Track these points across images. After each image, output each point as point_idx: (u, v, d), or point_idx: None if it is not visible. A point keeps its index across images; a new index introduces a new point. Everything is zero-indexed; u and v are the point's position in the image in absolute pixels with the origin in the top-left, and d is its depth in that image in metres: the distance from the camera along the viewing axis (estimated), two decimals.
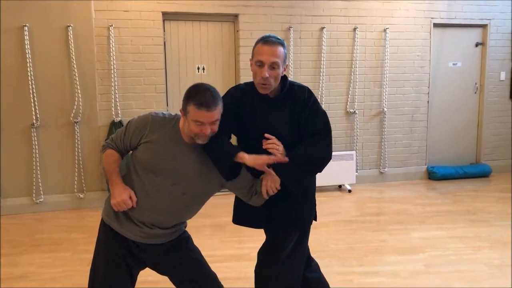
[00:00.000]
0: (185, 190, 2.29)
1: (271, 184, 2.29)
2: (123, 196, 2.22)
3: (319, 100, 2.65)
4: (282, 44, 2.29)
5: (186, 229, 2.55)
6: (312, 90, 2.47)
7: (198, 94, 2.16)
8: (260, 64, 2.26)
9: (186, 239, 2.51)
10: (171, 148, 2.26)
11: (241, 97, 2.41)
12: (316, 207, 2.60)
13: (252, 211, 2.48)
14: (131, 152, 2.37)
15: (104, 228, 2.37)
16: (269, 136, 2.28)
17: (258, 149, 2.28)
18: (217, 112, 2.18)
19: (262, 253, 2.54)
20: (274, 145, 2.26)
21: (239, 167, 2.30)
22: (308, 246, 2.63)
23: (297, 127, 2.34)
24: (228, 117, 2.30)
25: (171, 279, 2.54)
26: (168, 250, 2.41)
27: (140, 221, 2.29)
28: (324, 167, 2.38)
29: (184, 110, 2.20)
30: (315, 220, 2.58)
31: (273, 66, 2.24)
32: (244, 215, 2.56)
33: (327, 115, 2.39)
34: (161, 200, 2.27)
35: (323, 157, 2.33)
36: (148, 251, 2.37)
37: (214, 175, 2.32)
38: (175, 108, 5.69)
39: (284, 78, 2.40)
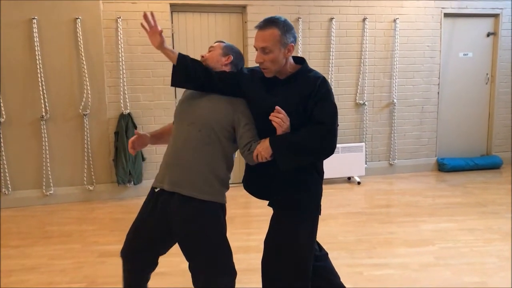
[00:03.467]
0: (200, 127, 2.35)
1: (262, 151, 2.26)
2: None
3: None
4: (277, 25, 2.24)
5: None
6: None
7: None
8: (257, 50, 2.30)
9: (212, 218, 2.35)
10: (188, 95, 2.49)
11: (253, 75, 2.45)
12: (321, 200, 2.51)
13: (258, 182, 2.51)
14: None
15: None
16: (279, 109, 2.23)
17: (262, 127, 2.32)
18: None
19: (267, 243, 2.51)
20: (279, 120, 2.21)
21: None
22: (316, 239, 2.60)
23: (303, 111, 2.29)
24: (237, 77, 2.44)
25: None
26: (187, 218, 2.32)
27: (166, 164, 2.42)
28: (320, 158, 2.34)
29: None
30: (319, 213, 2.51)
31: (265, 51, 2.25)
32: (251, 183, 2.56)
33: (337, 109, 2.33)
34: (180, 138, 2.39)
35: (319, 147, 2.26)
36: (172, 204, 2.33)
37: (227, 111, 2.38)
38: None
39: (301, 61, 2.40)
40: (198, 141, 2.34)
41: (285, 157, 2.26)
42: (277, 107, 2.23)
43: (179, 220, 2.32)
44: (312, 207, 2.45)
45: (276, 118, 2.21)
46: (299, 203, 2.41)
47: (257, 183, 2.52)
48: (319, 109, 2.27)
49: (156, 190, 2.41)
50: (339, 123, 2.42)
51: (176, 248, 2.48)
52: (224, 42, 2.59)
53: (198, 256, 2.33)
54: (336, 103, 2.36)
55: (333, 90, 2.40)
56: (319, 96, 2.28)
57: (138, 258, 2.47)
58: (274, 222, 2.49)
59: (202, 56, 2.55)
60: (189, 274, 2.41)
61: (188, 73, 2.41)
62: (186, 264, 2.40)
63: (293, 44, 2.30)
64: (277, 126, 2.23)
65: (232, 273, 2.40)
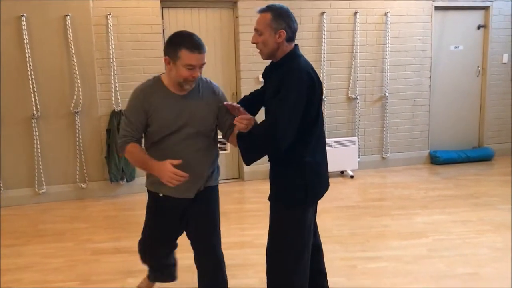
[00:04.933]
0: (197, 131, 2.46)
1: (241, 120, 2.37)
2: (167, 169, 2.26)
3: None
4: (270, 10, 2.38)
5: None
6: None
7: (187, 38, 2.32)
8: None
9: (206, 197, 2.63)
10: (172, 105, 2.41)
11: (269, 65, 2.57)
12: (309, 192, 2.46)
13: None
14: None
15: (151, 196, 2.63)
16: (243, 117, 2.36)
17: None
18: (205, 55, 2.34)
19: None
20: (244, 126, 2.33)
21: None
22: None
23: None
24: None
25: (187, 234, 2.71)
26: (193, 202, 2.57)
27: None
28: (268, 148, 2.35)
29: (172, 57, 2.31)
30: (298, 203, 2.45)
31: (258, 32, 2.40)
32: None
33: (292, 107, 2.26)
34: (183, 150, 2.43)
35: (264, 139, 2.30)
36: (179, 205, 2.58)
37: (211, 108, 2.52)
38: None
39: (291, 50, 2.42)
40: (204, 148, 2.52)
41: (244, 152, 2.39)
42: (240, 116, 2.36)
43: (199, 204, 2.58)
44: (284, 195, 2.45)
45: (241, 125, 2.33)
46: (277, 197, 2.49)
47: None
48: (274, 101, 2.31)
49: (176, 197, 2.53)
50: (331, 117, 2.45)
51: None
52: None
53: (210, 235, 2.65)
54: (328, 97, 2.36)
55: (325, 85, 2.44)
56: (278, 90, 2.30)
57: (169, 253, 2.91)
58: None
59: None
60: (193, 270, 2.56)
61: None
62: (188, 260, 2.57)
63: (283, 30, 2.36)
64: (243, 130, 2.35)
65: None
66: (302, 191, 2.42)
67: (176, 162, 2.28)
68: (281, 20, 2.35)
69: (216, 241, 2.68)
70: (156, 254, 2.87)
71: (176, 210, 2.59)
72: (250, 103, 2.65)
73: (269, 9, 2.38)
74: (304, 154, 2.39)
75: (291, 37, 2.39)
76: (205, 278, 2.67)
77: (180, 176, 2.25)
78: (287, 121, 2.24)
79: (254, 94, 2.71)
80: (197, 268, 2.69)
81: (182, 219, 2.63)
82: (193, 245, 2.67)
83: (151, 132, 2.45)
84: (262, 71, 2.62)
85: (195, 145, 2.47)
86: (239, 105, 2.52)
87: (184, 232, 2.72)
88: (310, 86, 2.30)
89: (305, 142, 2.39)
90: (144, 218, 2.76)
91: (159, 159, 2.34)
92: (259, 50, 2.45)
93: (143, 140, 2.56)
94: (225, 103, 2.54)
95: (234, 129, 2.48)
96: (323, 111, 5.79)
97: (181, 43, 2.29)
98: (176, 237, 2.78)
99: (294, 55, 2.41)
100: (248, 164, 2.40)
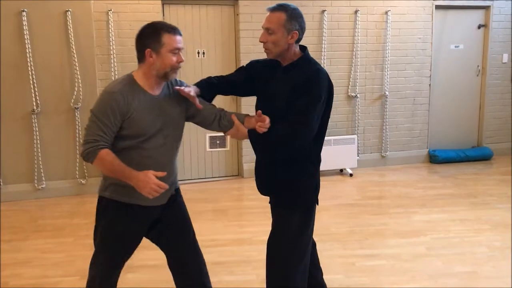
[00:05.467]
0: (172, 135, 2.36)
1: (237, 138, 2.44)
2: (151, 180, 2.09)
3: None
4: (284, 10, 2.31)
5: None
6: None
7: (163, 24, 2.27)
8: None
9: (177, 200, 2.52)
10: (149, 108, 2.25)
11: (264, 64, 2.53)
12: (314, 194, 2.50)
13: (257, 178, 2.57)
14: None
15: (113, 206, 2.32)
16: (265, 121, 2.31)
17: (262, 111, 2.34)
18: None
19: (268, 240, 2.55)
20: (265, 129, 2.31)
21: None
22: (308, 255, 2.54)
23: (292, 101, 2.32)
24: (242, 71, 2.58)
25: (160, 243, 2.53)
26: (163, 210, 2.43)
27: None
28: (288, 145, 2.31)
29: (154, 46, 2.20)
30: (308, 209, 2.49)
31: (268, 31, 2.32)
32: (256, 178, 2.59)
33: (317, 102, 2.28)
34: (160, 155, 2.31)
35: (283, 141, 2.29)
36: (153, 214, 2.41)
37: (182, 108, 2.41)
38: None
39: (303, 50, 2.43)
40: (175, 152, 2.42)
41: (260, 148, 2.37)
42: (259, 124, 2.31)
43: (170, 211, 2.44)
44: (298, 205, 2.44)
45: (262, 129, 2.30)
46: (285, 202, 2.45)
47: (257, 178, 2.57)
48: (299, 102, 2.28)
49: (148, 206, 2.34)
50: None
51: None
52: None
53: (191, 233, 2.52)
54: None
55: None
56: (306, 88, 2.29)
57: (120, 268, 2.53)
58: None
59: None
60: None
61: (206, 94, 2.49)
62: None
63: (297, 32, 2.33)
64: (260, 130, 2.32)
65: None
66: (314, 192, 2.46)
67: (160, 174, 2.13)
68: (295, 21, 2.32)
69: (197, 243, 2.57)
70: (110, 283, 2.47)
71: (146, 221, 2.40)
72: (213, 90, 2.52)
73: (283, 8, 2.32)
74: (316, 154, 2.46)
75: (300, 38, 2.38)
76: (191, 284, 2.54)
77: (162, 188, 2.11)
78: (315, 119, 2.29)
79: (221, 81, 2.55)
80: (179, 275, 2.56)
81: (150, 231, 2.45)
82: (172, 252, 2.51)
83: (124, 136, 2.23)
84: None
85: (170, 149, 2.36)
86: (193, 94, 2.35)
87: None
88: (330, 89, 2.36)
89: (318, 143, 2.44)
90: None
91: (131, 165, 2.16)
92: (266, 49, 2.38)
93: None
94: (176, 87, 2.36)
95: (231, 117, 2.42)
96: None
97: (161, 29, 2.21)
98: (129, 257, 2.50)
99: (310, 58, 2.45)
100: (263, 159, 2.41)
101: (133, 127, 2.21)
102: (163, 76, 2.25)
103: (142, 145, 2.25)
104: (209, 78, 2.55)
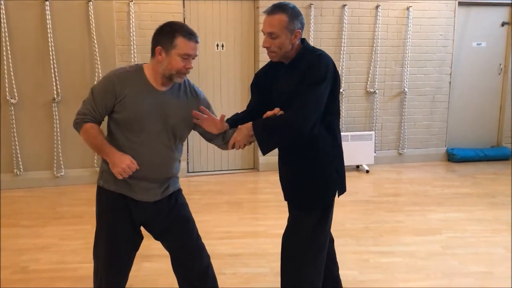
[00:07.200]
0: (170, 135, 2.31)
1: (241, 139, 2.34)
2: (125, 162, 2.18)
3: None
4: (285, 11, 2.25)
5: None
6: None
7: (182, 26, 2.22)
8: (264, 34, 2.31)
9: (179, 202, 2.48)
10: (148, 99, 2.24)
11: (266, 70, 2.52)
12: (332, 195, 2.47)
13: (281, 181, 2.56)
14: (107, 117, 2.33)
15: (105, 195, 2.36)
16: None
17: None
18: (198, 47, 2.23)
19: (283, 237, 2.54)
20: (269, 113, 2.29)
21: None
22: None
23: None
24: (253, 91, 2.56)
25: (163, 244, 2.53)
26: (161, 211, 2.40)
27: (134, 177, 2.26)
28: (289, 131, 2.25)
29: (166, 46, 2.18)
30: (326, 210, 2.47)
31: (272, 35, 2.27)
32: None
33: (319, 97, 2.23)
34: (150, 151, 2.27)
35: (284, 122, 2.25)
36: (145, 211, 2.37)
37: (189, 115, 2.36)
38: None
39: (302, 42, 2.37)
40: (170, 153, 2.37)
41: (262, 138, 2.29)
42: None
43: (172, 212, 2.42)
44: (314, 206, 2.42)
45: (270, 113, 2.28)
46: (302, 203, 2.44)
47: (281, 181, 2.58)
48: (299, 93, 2.25)
49: (137, 200, 2.34)
50: (349, 111, 2.44)
51: None
52: None
53: (193, 235, 2.47)
54: (346, 90, 2.32)
55: (344, 78, 2.39)
56: (307, 73, 2.25)
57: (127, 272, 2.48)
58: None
59: None
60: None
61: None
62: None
63: (299, 30, 2.30)
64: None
65: None
66: (334, 188, 2.43)
67: (136, 166, 2.20)
68: (296, 20, 2.27)
69: (201, 246, 2.50)
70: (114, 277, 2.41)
71: (131, 213, 2.36)
72: (239, 123, 2.46)
73: (282, 9, 2.26)
74: (333, 147, 2.40)
75: (301, 34, 2.34)
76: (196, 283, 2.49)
77: (131, 169, 2.18)
78: (315, 104, 2.21)
79: (245, 114, 2.54)
80: (181, 278, 2.53)
81: (151, 231, 2.46)
82: (174, 255, 2.49)
83: (118, 121, 2.25)
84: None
85: (164, 149, 2.31)
86: (216, 131, 2.37)
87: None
88: (335, 73, 2.30)
89: (333, 135, 2.38)
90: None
91: (121, 148, 2.24)
92: (270, 53, 2.33)
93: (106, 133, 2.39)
94: (202, 107, 2.36)
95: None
96: (341, 104, 5.78)
97: (176, 31, 2.17)
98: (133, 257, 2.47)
99: (311, 47, 2.40)
100: (265, 152, 2.31)
101: (124, 111, 2.22)
102: (168, 77, 2.23)
103: (133, 135, 2.25)
104: (236, 114, 2.57)
